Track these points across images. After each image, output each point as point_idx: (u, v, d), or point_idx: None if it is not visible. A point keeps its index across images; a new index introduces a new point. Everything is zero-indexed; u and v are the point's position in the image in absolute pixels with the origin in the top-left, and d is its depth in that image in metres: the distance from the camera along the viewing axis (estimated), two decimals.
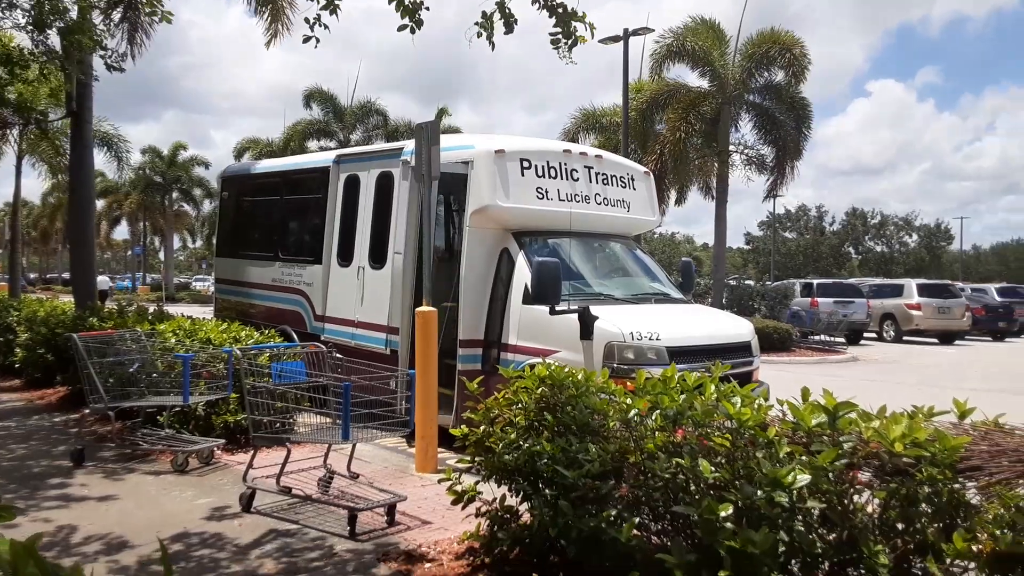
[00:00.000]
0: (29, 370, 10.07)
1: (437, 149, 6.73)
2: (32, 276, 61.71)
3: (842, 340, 21.50)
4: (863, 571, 2.79)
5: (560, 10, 5.16)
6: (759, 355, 7.54)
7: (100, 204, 43.94)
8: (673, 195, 24.00)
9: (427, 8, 5.18)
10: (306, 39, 5.27)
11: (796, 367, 15.61)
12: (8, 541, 1.31)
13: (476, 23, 5.27)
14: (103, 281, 33.45)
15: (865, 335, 23.67)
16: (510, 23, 5.26)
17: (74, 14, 9.00)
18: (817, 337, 21.44)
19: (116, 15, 11.75)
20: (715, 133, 21.70)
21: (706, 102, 21.15)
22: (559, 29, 5.21)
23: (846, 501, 2.92)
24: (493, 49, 5.36)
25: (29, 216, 54.30)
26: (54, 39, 9.78)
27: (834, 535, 2.93)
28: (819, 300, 23.00)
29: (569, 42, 5.23)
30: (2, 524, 1.56)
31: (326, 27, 5.23)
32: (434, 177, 6.77)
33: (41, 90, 11.13)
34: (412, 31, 5.16)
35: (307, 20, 5.20)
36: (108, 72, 9.59)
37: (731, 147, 21.97)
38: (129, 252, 67.93)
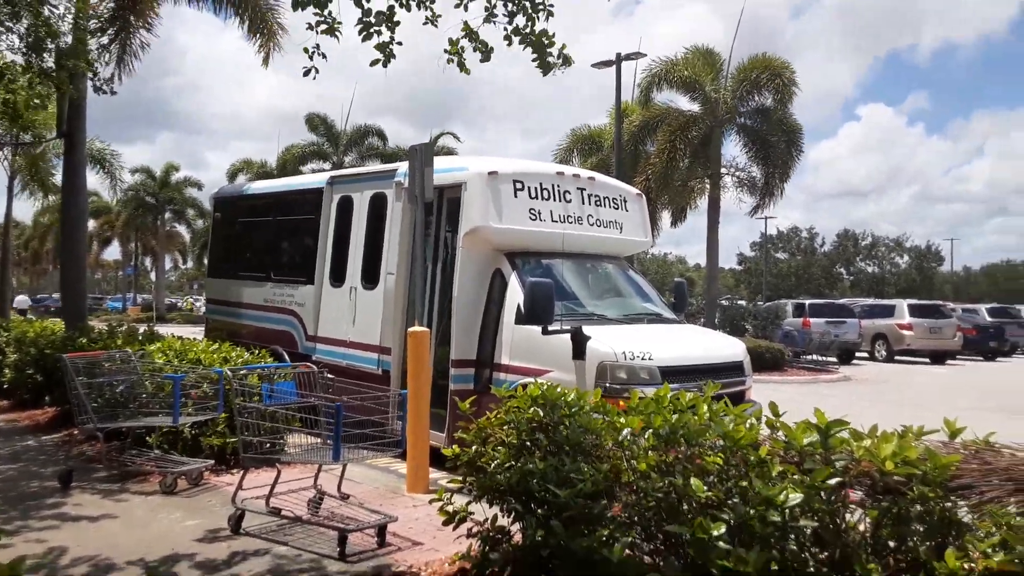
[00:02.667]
0: (18, 391, 9.99)
1: (431, 171, 6.77)
2: (40, 296, 61.30)
3: (834, 360, 21.56)
4: None
5: (532, 38, 5.25)
6: (751, 375, 7.55)
7: (92, 224, 43.86)
8: (667, 217, 24.17)
9: (399, 44, 5.27)
10: (306, 72, 5.30)
11: (788, 387, 15.62)
12: None
13: (445, 50, 5.36)
14: (22, 300, 33.96)
15: (857, 355, 23.74)
16: (486, 53, 5.35)
17: (68, 38, 9.06)
18: (809, 357, 21.49)
19: (105, 39, 11.82)
20: (706, 155, 21.88)
21: (696, 125, 21.35)
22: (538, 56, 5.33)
23: (838, 520, 2.92)
24: (468, 74, 5.45)
25: (21, 237, 54.09)
26: (47, 61, 9.81)
27: (826, 554, 2.92)
28: (811, 320, 23.07)
29: (544, 69, 5.34)
30: None
31: (324, 56, 5.27)
32: (427, 199, 6.79)
33: (33, 103, 11.12)
34: (384, 64, 5.28)
35: (306, 50, 5.23)
36: (96, 95, 9.64)
37: (722, 169, 22.15)
38: (120, 272, 67.67)
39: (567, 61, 5.36)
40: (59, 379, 7.50)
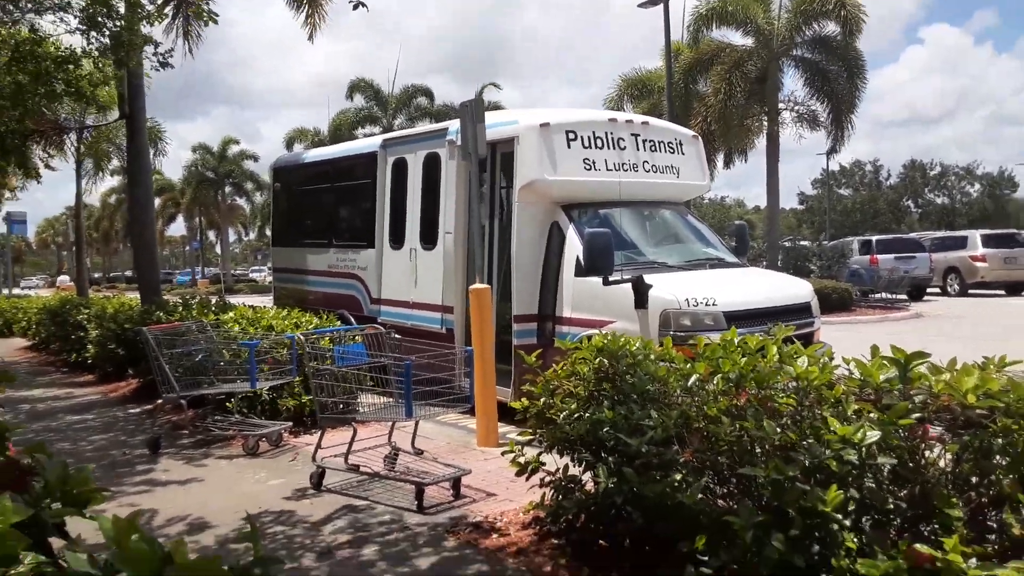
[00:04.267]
0: (102, 365, 10.49)
1: (482, 127, 6.74)
2: (96, 276, 63.91)
3: (904, 297, 20.93)
4: (936, 526, 2.75)
5: None
6: (819, 316, 7.40)
7: (156, 202, 45.21)
8: (720, 159, 23.60)
9: None
10: (355, 5, 5.30)
11: (858, 327, 15.28)
12: (111, 519, 1.39)
13: None
14: (63, 280, 35.32)
15: (928, 291, 22.99)
16: None
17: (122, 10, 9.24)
18: (878, 295, 20.90)
19: (168, 12, 12.01)
20: (762, 92, 21.19)
21: (751, 60, 20.64)
22: None
23: (917, 456, 2.88)
24: None
25: (90, 218, 56.12)
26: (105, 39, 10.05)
27: (906, 491, 2.89)
28: (879, 257, 22.38)
29: None
30: (94, 508, 1.65)
31: (365, 6, 5.25)
32: (480, 155, 6.78)
33: (96, 79, 11.42)
34: (365, 6, 5.22)
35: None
36: (159, 71, 9.84)
37: (780, 105, 21.44)
38: (186, 247, 69.78)
39: None
40: (140, 352, 7.83)
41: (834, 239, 33.00)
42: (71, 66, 10.42)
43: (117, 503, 4.98)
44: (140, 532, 1.32)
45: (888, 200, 66.76)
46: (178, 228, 60.15)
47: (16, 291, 37.11)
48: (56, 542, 1.54)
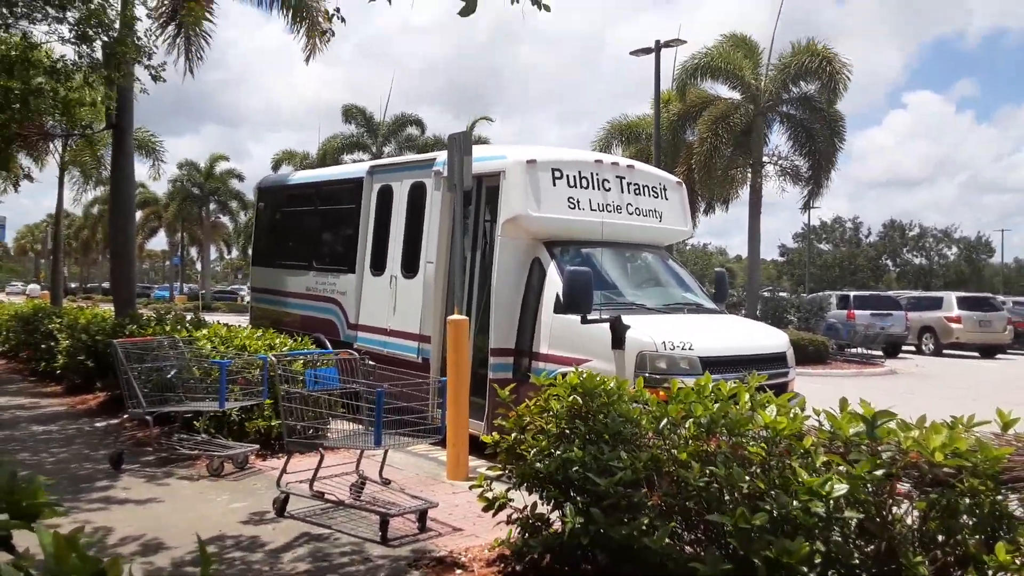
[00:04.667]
0: (70, 376, 10.30)
1: (469, 159, 6.78)
2: (73, 285, 63.12)
3: (879, 353, 21.12)
4: None
5: None
6: (795, 367, 7.44)
7: (138, 215, 44.93)
8: (702, 207, 23.87)
9: None
10: (322, 32, 5.33)
11: (833, 380, 15.37)
12: (52, 534, 1.35)
13: None
14: (33, 289, 35.01)
15: (903, 348, 23.23)
16: None
17: (117, 25, 9.24)
18: (854, 350, 21.08)
19: (171, 29, 12.04)
20: (748, 144, 21.54)
21: (737, 114, 21.02)
22: None
23: (885, 512, 2.87)
24: (549, 11, 5.10)
25: (71, 227, 55.59)
26: (97, 52, 10.05)
27: (872, 546, 2.88)
28: (856, 312, 22.62)
29: None
30: (46, 522, 1.60)
31: (343, 20, 5.26)
32: (466, 187, 6.81)
33: (85, 99, 11.41)
34: (470, 12, 5.00)
35: (326, 12, 5.26)
36: (154, 83, 9.85)
37: (764, 158, 21.81)
38: (167, 262, 69.19)
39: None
40: (109, 365, 7.70)
41: (813, 292, 33.34)
42: (62, 77, 10.40)
43: (71, 519, 4.84)
44: (79, 550, 1.28)
45: (867, 257, 67.74)
46: (159, 243, 59.73)
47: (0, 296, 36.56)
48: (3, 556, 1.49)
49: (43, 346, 11.47)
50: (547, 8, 4.84)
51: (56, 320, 11.42)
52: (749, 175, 21.89)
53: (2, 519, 1.53)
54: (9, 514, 1.54)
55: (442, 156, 7.78)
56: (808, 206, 23.46)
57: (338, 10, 5.23)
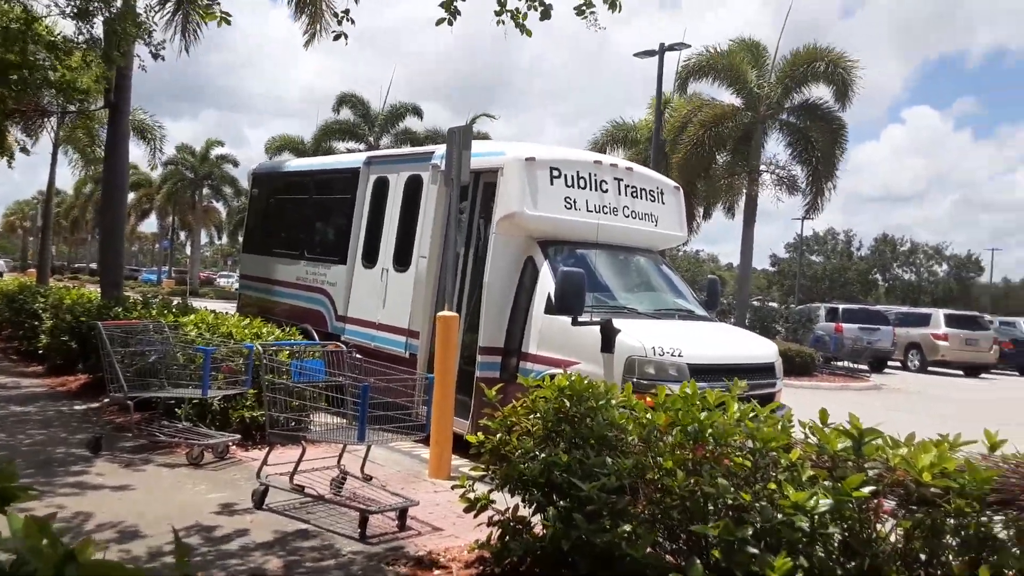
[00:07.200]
0: (52, 357, 10.19)
1: (468, 154, 6.73)
2: (60, 264, 62.64)
3: (865, 367, 21.20)
4: None
5: None
6: (782, 377, 7.43)
7: (130, 196, 44.55)
8: (699, 211, 23.89)
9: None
10: (336, 36, 5.29)
11: (819, 392, 15.39)
12: (24, 519, 1.30)
13: (495, 11, 5.18)
14: None
15: (889, 363, 23.31)
16: (546, 9, 5.17)
17: (119, 2, 9.15)
18: (840, 363, 21.14)
19: (169, 7, 11.92)
20: (746, 151, 21.54)
21: (736, 119, 21.00)
22: None
23: (869, 529, 2.85)
24: (530, 35, 5.25)
25: (61, 206, 55.16)
26: (97, 28, 9.95)
27: (855, 563, 2.85)
28: (844, 326, 22.68)
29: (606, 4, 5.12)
30: (18, 507, 1.54)
31: (352, 21, 5.24)
32: (463, 182, 6.76)
33: (83, 78, 11.28)
34: (449, 23, 5.15)
35: (335, 14, 5.22)
36: (154, 60, 9.77)
37: (762, 167, 21.80)
38: (156, 245, 68.77)
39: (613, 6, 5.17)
40: (93, 347, 7.62)
41: (802, 303, 33.45)
42: (60, 53, 10.28)
43: (46, 503, 4.76)
44: (51, 536, 1.23)
45: (858, 271, 68.05)
46: (150, 226, 59.33)
47: None
48: None
49: (27, 325, 11.36)
50: (528, 33, 4.99)
51: (41, 299, 11.30)
52: (746, 183, 21.87)
53: None
54: None
55: (440, 149, 7.72)
56: (807, 216, 23.41)
57: (347, 12, 5.19)
